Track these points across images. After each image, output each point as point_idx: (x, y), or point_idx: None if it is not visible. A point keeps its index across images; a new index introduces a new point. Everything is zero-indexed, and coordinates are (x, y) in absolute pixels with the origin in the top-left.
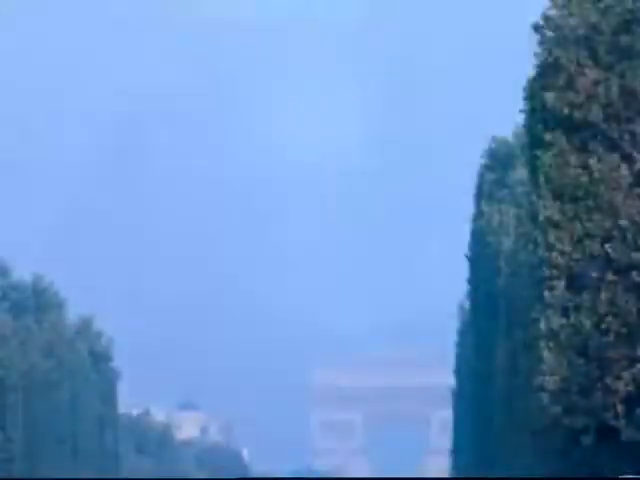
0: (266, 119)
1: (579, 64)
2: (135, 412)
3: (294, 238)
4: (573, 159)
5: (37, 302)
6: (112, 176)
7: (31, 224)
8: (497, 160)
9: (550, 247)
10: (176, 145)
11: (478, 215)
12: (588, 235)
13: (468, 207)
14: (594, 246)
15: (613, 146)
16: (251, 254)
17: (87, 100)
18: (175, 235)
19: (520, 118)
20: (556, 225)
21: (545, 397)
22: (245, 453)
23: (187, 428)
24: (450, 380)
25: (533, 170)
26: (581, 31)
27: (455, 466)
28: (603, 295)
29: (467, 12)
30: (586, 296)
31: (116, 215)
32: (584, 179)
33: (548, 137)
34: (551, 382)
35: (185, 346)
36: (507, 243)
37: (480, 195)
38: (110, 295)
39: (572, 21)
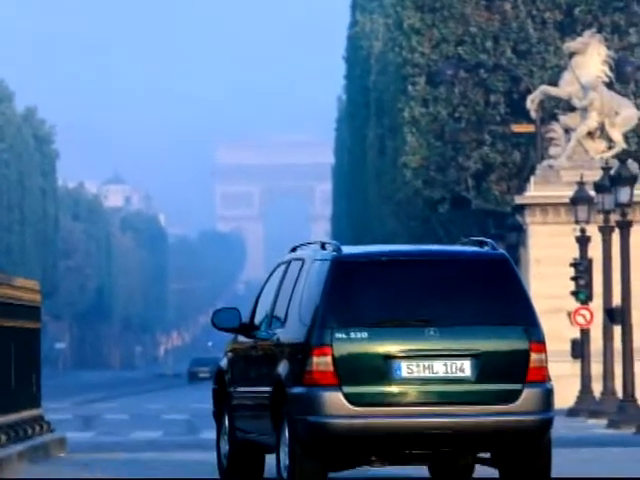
0: None
1: None
2: (71, 185)
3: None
4: None
5: None
6: None
7: None
8: None
9: (412, 49)
10: None
11: (353, 23)
12: (444, 40)
13: (345, 17)
14: (449, 49)
15: None
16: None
17: None
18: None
19: None
20: (417, 31)
21: (408, 173)
22: (162, 218)
23: (114, 198)
24: (330, 159)
25: None
26: None
27: (334, 231)
28: (456, 89)
29: None
30: (442, 90)
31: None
32: None
33: None
34: (413, 161)
35: (113, 130)
36: (377, 46)
37: (355, 7)
38: (53, 86)
39: None
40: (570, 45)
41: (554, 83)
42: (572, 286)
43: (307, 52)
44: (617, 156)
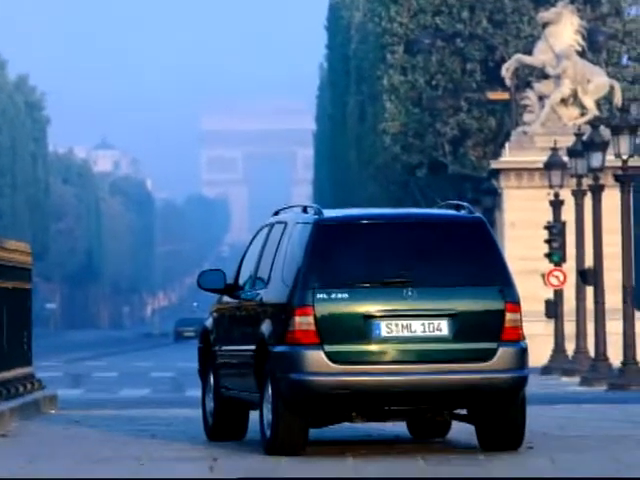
0: None
1: None
2: (61, 150)
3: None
4: None
5: None
6: None
7: None
8: None
9: (391, 19)
10: None
11: None
12: (421, 10)
13: None
14: (426, 19)
15: None
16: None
17: None
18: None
19: None
20: (396, 2)
21: (387, 139)
22: (149, 183)
23: (103, 163)
24: (312, 125)
25: None
26: None
27: (316, 194)
28: (434, 58)
29: None
30: (420, 58)
31: None
32: None
33: None
34: (392, 127)
35: (101, 97)
36: (357, 16)
37: None
38: (45, 54)
39: None
40: (544, 15)
41: (528, 52)
42: (546, 248)
43: (292, 21)
44: (589, 122)
